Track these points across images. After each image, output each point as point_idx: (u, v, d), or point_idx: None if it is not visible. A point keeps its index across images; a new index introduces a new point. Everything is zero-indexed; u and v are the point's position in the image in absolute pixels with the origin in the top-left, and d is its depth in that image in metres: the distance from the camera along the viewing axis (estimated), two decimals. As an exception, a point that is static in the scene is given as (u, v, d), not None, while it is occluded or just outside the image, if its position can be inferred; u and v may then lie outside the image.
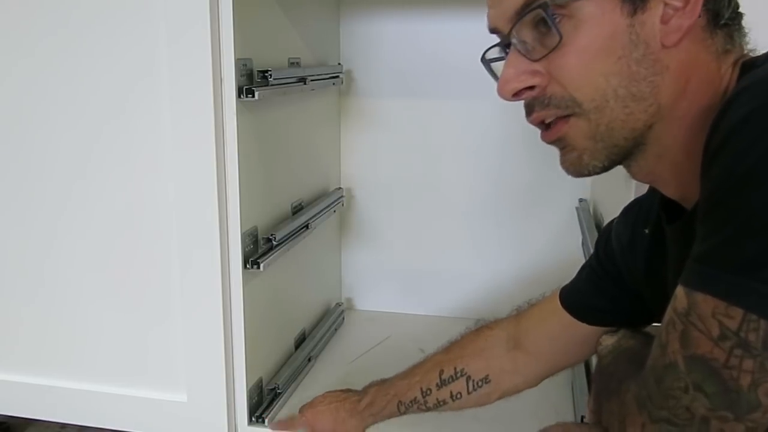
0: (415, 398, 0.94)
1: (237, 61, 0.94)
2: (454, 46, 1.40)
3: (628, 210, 0.80)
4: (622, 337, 0.75)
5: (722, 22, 0.57)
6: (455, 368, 0.92)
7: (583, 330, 0.83)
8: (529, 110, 0.60)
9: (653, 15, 0.55)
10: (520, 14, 0.57)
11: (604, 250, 0.82)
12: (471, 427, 1.09)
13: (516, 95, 0.59)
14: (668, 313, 0.52)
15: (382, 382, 0.98)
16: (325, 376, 1.26)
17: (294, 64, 1.22)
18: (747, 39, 0.60)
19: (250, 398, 1.05)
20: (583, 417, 1.03)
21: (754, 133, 0.47)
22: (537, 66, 0.58)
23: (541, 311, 0.88)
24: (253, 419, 1.07)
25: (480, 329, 0.94)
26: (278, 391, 1.13)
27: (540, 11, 0.56)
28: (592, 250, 1.09)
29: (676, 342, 0.50)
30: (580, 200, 1.43)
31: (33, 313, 1.09)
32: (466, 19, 1.38)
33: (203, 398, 1.04)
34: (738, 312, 0.46)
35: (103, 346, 1.08)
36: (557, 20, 0.56)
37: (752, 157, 0.46)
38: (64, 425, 1.38)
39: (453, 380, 0.91)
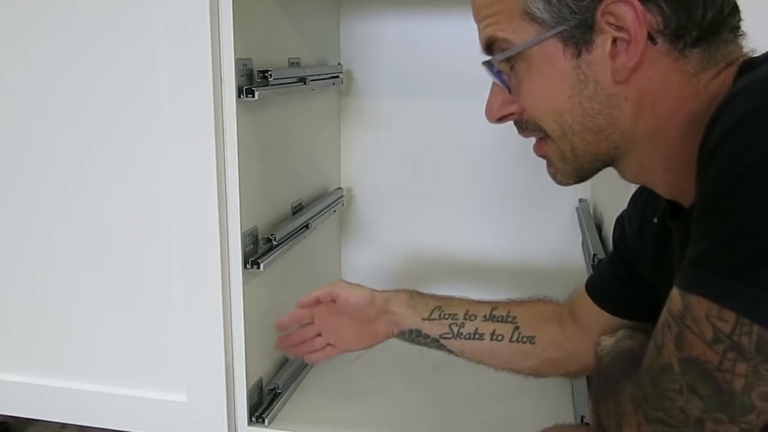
0: (455, 315, 0.90)
1: (237, 61, 0.94)
2: (454, 46, 1.40)
3: (637, 195, 0.80)
4: (621, 338, 0.75)
5: (690, 42, 0.56)
6: (509, 312, 0.90)
7: (606, 320, 0.83)
8: (517, 128, 0.67)
9: (601, 53, 0.57)
10: (487, 52, 0.64)
11: (620, 237, 0.82)
12: (471, 428, 1.10)
13: (500, 120, 0.66)
14: (664, 314, 0.52)
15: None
16: (325, 376, 1.26)
17: (294, 64, 1.22)
18: (743, 43, 0.59)
19: (250, 398, 1.05)
20: (583, 417, 1.03)
21: (748, 136, 0.47)
22: (513, 96, 0.63)
23: (582, 292, 0.88)
24: (253, 419, 1.07)
25: (542, 298, 0.93)
26: (278, 391, 1.13)
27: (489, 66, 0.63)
28: (592, 251, 1.09)
29: (671, 344, 0.51)
30: (580, 200, 1.43)
31: (33, 313, 1.09)
32: (466, 19, 1.37)
33: (203, 398, 1.04)
34: (731, 315, 0.46)
35: (103, 347, 1.08)
36: (513, 65, 0.61)
37: (746, 159, 0.46)
38: (64, 425, 1.38)
39: (502, 321, 0.90)
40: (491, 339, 0.89)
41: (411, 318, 0.92)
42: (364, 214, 1.55)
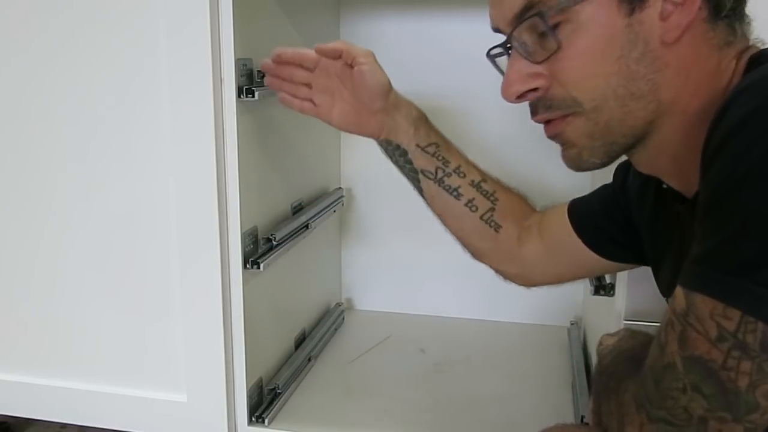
0: (448, 162, 0.87)
1: (237, 61, 0.94)
2: (454, 45, 1.40)
3: None
4: (623, 338, 0.75)
5: (724, 13, 0.57)
6: (495, 191, 0.89)
7: (578, 246, 0.84)
8: (534, 111, 0.62)
9: (652, 12, 0.56)
10: (519, 19, 0.59)
11: (621, 185, 0.82)
12: (471, 428, 1.10)
13: (520, 97, 0.61)
14: (667, 313, 0.52)
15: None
16: (325, 376, 1.26)
17: (294, 64, 1.22)
18: (751, 27, 0.60)
19: (250, 398, 1.05)
20: (583, 417, 1.03)
21: (753, 135, 0.47)
22: (539, 68, 0.60)
23: (560, 212, 0.88)
24: (253, 419, 1.06)
25: (524, 197, 0.92)
26: (278, 391, 1.13)
27: (537, 19, 0.58)
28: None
29: (675, 342, 0.51)
30: (581, 200, 1.43)
31: (33, 313, 1.09)
32: (466, 19, 1.38)
33: (203, 398, 1.04)
34: (736, 313, 0.46)
35: (103, 346, 1.08)
36: (556, 25, 0.57)
37: (750, 158, 0.46)
38: (64, 425, 1.38)
39: (485, 195, 0.88)
40: (465, 205, 0.88)
41: (407, 136, 0.88)
42: (364, 214, 1.55)
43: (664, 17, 0.56)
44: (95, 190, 1.02)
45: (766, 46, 0.59)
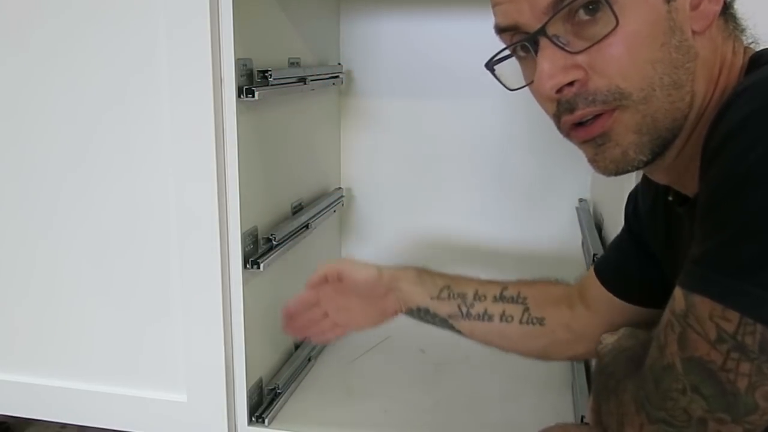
0: (464, 295, 0.87)
1: (237, 61, 0.94)
2: (454, 45, 1.40)
3: None
4: (622, 337, 0.75)
5: (729, 6, 0.58)
6: (519, 293, 0.87)
7: (615, 303, 0.82)
8: (571, 107, 0.57)
9: (685, 1, 0.56)
10: (557, 6, 0.55)
11: (633, 212, 0.81)
12: (471, 428, 1.10)
13: (558, 92, 0.57)
14: (666, 314, 0.52)
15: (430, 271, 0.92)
16: (325, 376, 1.26)
17: (294, 64, 1.22)
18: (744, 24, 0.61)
19: (250, 398, 1.05)
20: (583, 417, 1.03)
21: (752, 136, 0.47)
22: (576, 59, 0.55)
23: (591, 275, 0.87)
24: (253, 419, 1.06)
25: (552, 280, 0.91)
26: (278, 391, 1.13)
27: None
28: (592, 251, 1.09)
29: (674, 344, 0.51)
30: (580, 200, 1.43)
31: (32, 312, 1.09)
32: (466, 19, 1.38)
33: (203, 398, 1.04)
34: (734, 315, 0.46)
35: (103, 346, 1.08)
36: (595, 7, 0.54)
37: (750, 159, 0.46)
38: (64, 425, 1.38)
39: (512, 301, 0.87)
40: (501, 320, 0.87)
41: (419, 296, 0.89)
42: (364, 214, 1.55)
43: (693, 6, 0.56)
44: (95, 189, 1.02)
45: (763, 47, 0.60)
